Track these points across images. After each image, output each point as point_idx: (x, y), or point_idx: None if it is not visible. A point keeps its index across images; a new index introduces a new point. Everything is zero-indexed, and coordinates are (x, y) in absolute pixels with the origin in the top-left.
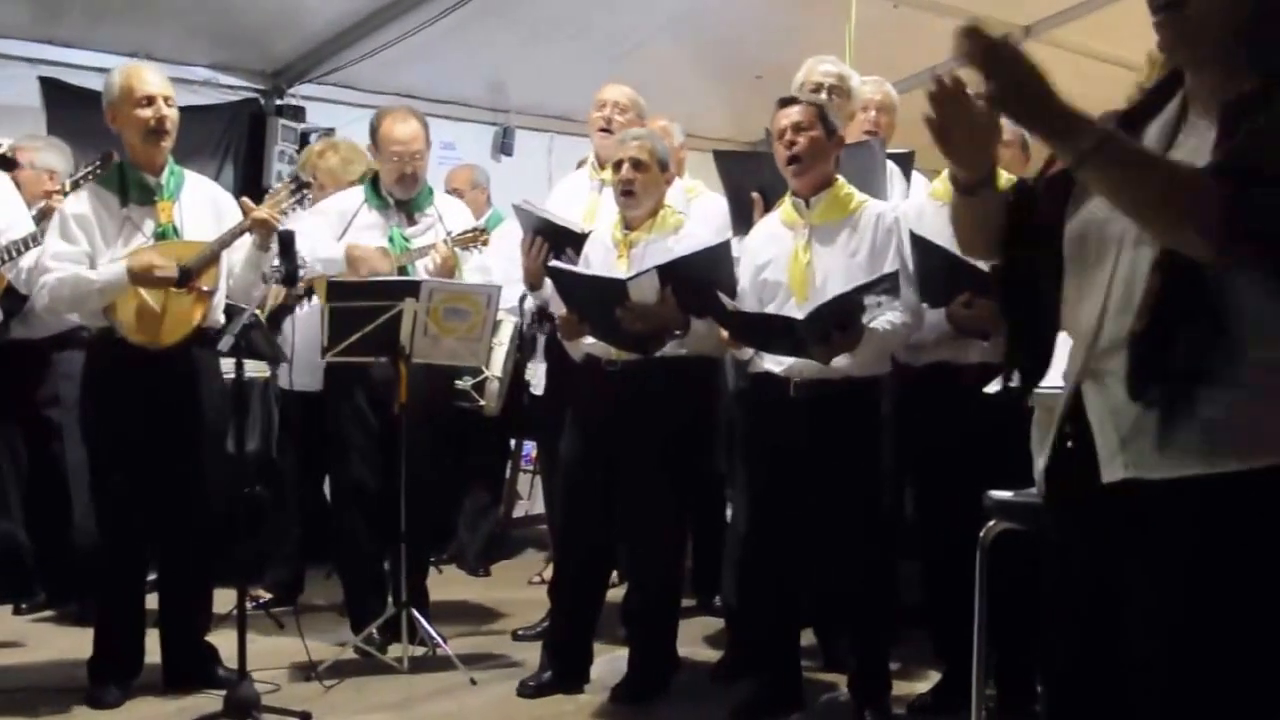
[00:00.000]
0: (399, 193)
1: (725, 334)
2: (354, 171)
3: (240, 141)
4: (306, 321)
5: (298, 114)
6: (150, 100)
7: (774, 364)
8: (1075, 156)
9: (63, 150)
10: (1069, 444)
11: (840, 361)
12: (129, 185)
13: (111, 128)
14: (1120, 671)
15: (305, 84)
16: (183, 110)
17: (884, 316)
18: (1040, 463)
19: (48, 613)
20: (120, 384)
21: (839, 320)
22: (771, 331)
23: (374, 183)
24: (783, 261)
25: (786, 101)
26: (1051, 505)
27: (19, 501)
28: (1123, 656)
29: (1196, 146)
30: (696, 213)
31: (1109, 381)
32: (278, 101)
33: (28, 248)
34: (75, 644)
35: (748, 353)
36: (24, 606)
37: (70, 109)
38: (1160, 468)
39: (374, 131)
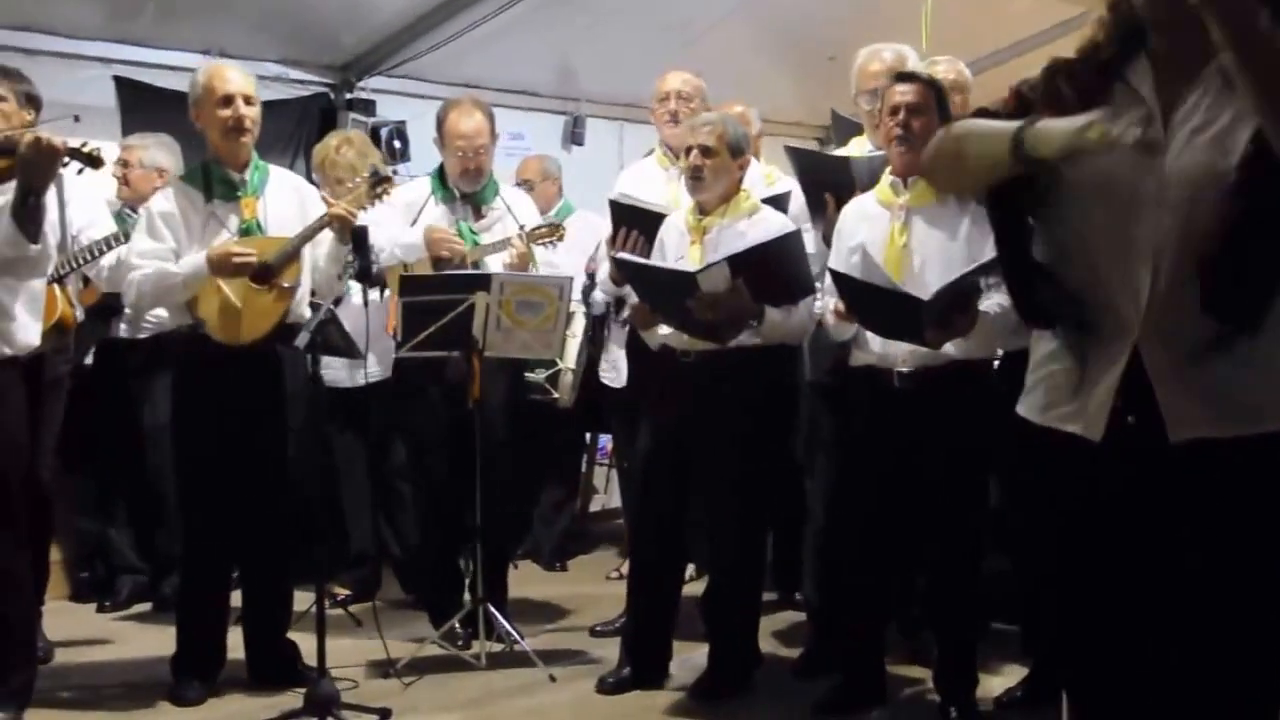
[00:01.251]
0: (464, 185)
1: (840, 305)
2: (371, 163)
3: (311, 136)
4: (348, 318)
5: (368, 107)
6: (229, 99)
7: (873, 356)
8: (1248, 32)
9: (172, 148)
10: (1129, 418)
11: (947, 347)
12: (213, 182)
13: (196, 125)
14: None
15: (375, 77)
16: None
17: (993, 299)
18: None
19: (130, 610)
20: (205, 382)
21: (957, 303)
22: (887, 307)
23: (440, 175)
24: (878, 243)
25: (904, 77)
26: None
27: (119, 500)
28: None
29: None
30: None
31: (1174, 339)
32: (348, 95)
33: (110, 247)
34: (159, 641)
35: (848, 331)
36: (107, 604)
37: (144, 108)
38: (1236, 426)
39: (440, 124)
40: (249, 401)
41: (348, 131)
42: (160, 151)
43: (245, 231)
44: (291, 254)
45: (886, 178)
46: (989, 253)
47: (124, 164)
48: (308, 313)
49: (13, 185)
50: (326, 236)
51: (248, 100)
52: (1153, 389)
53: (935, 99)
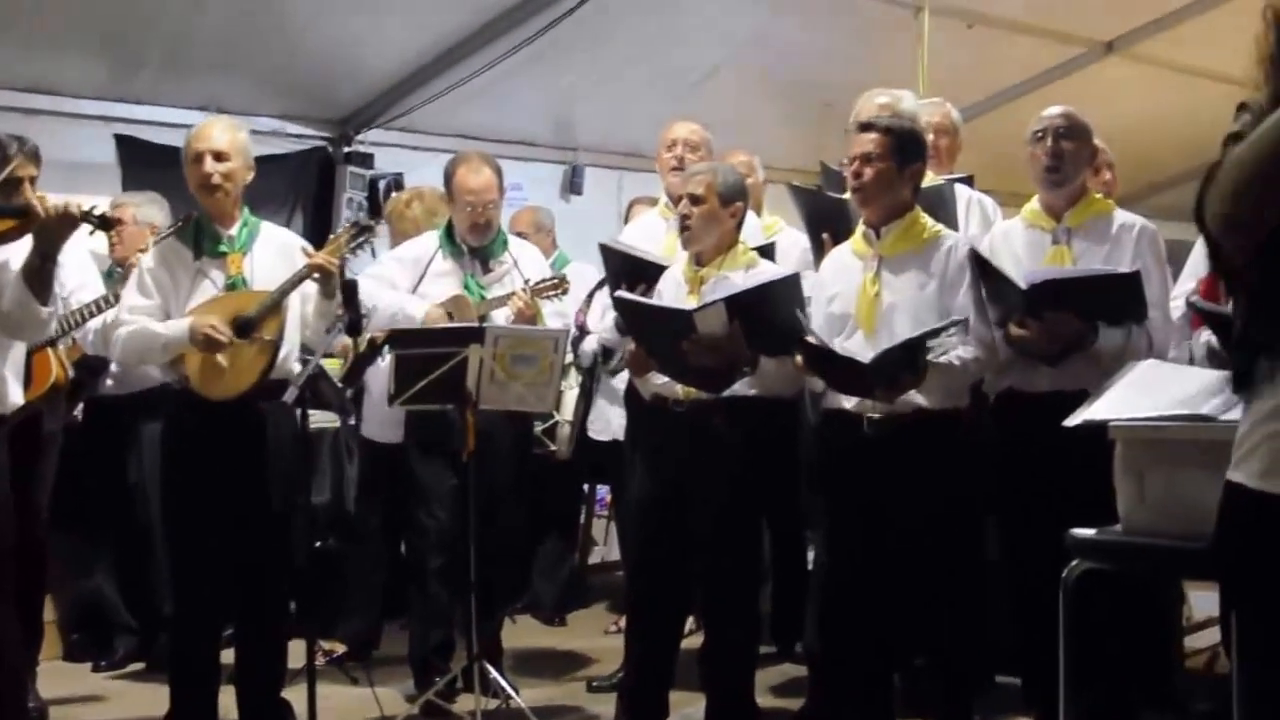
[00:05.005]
0: (473, 240)
1: (799, 360)
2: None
3: (309, 190)
4: (384, 374)
5: (365, 160)
6: (199, 157)
7: (846, 400)
8: None
9: (162, 205)
10: None
11: (914, 396)
12: (203, 239)
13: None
14: None
15: (373, 130)
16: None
17: (954, 351)
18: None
19: (125, 669)
20: (190, 438)
21: (904, 362)
22: (838, 367)
23: (448, 230)
24: (851, 293)
25: (863, 127)
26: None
27: (109, 558)
28: None
29: None
30: (782, 249)
31: None
32: (345, 149)
33: (99, 310)
34: (153, 700)
35: (820, 385)
36: (103, 664)
37: (145, 165)
38: None
39: (448, 179)
40: (232, 457)
41: (421, 188)
42: (152, 208)
43: (230, 287)
44: (271, 306)
45: (860, 228)
46: (956, 303)
47: (116, 221)
48: (297, 368)
49: (12, 246)
50: (314, 290)
51: (217, 156)
52: None
53: (894, 146)
